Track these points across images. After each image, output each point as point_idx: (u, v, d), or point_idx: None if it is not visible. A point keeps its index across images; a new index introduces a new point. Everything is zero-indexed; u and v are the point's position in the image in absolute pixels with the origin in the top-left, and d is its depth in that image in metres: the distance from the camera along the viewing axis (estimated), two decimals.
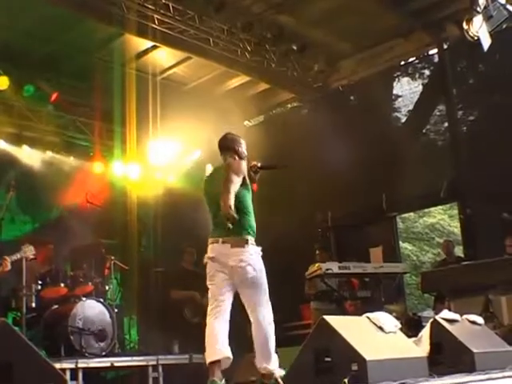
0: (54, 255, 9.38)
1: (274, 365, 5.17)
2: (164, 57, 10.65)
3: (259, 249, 5.45)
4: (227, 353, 5.30)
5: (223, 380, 5.24)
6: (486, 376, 4.46)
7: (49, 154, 10.99)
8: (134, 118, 9.38)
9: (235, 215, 5.09)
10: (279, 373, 5.19)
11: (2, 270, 7.17)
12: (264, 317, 5.37)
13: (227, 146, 5.84)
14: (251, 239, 5.40)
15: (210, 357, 5.32)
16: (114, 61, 10.13)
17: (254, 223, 5.52)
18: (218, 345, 5.33)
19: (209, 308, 5.53)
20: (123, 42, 9.85)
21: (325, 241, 10.06)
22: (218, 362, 5.27)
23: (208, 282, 5.60)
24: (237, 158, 5.67)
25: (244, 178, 5.44)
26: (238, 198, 5.34)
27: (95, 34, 9.71)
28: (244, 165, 5.55)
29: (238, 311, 11.47)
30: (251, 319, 5.46)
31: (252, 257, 5.34)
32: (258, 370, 5.29)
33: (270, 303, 5.39)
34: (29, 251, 7.68)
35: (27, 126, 10.68)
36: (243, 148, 5.84)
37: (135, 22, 9.07)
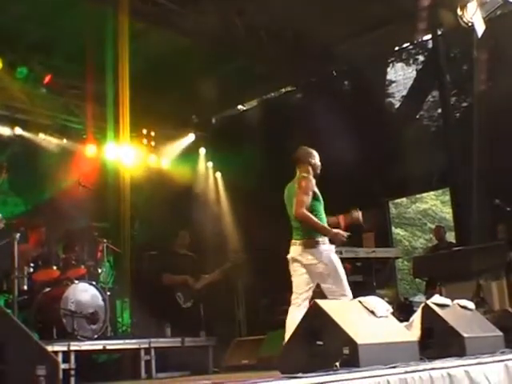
0: (46, 238, 9.36)
1: None
2: (158, 39, 10.60)
3: (332, 246, 6.31)
4: None
5: None
6: (476, 360, 4.48)
7: (42, 137, 10.97)
8: (127, 101, 9.32)
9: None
10: None
11: None
12: None
13: (301, 159, 6.64)
14: (321, 240, 6.24)
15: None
16: (107, 43, 10.07)
17: None
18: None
19: (292, 297, 6.36)
20: (117, 24, 9.79)
21: None
22: None
23: (292, 278, 6.40)
24: (311, 170, 6.52)
25: (314, 192, 6.35)
26: (311, 208, 6.27)
27: (89, 17, 9.64)
28: (312, 182, 6.40)
29: (228, 297, 11.61)
30: None
31: (322, 255, 6.21)
32: None
33: (346, 294, 6.17)
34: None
35: (20, 108, 10.64)
36: (316, 160, 6.62)
37: (129, 4, 9.02)
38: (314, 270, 6.24)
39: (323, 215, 6.43)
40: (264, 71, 11.68)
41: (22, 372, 3.62)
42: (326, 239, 6.29)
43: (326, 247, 6.29)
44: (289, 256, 6.41)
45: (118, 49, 9.35)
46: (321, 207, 6.44)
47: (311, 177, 6.48)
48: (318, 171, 6.63)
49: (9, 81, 10.11)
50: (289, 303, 10.02)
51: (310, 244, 6.26)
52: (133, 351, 8.73)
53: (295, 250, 6.34)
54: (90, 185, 10.29)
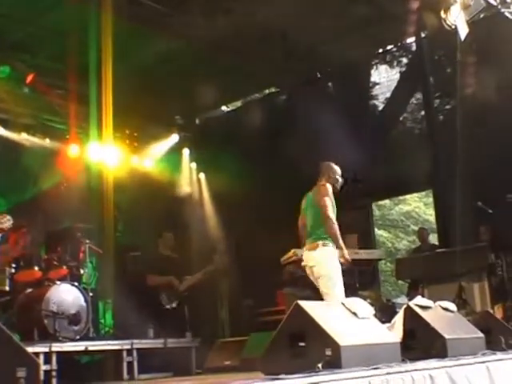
0: (28, 238, 9.30)
1: None
2: (142, 40, 10.56)
3: (331, 249, 6.79)
4: None
5: None
6: (458, 362, 4.51)
7: (24, 136, 10.88)
8: (110, 101, 9.28)
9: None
10: None
11: None
12: None
13: (322, 171, 7.13)
14: (324, 242, 6.78)
15: None
16: (91, 43, 10.04)
17: None
18: None
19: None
20: (101, 24, 9.76)
21: None
22: None
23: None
24: (328, 183, 6.98)
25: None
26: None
27: (72, 17, 9.61)
28: (330, 189, 6.92)
29: (212, 298, 11.58)
30: None
31: (321, 257, 6.78)
32: None
33: (337, 296, 6.56)
34: (6, 222, 7.60)
35: (2, 107, 10.56)
36: (336, 174, 7.12)
37: (113, 4, 8.99)
38: (314, 271, 7.01)
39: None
40: (248, 72, 11.69)
41: (2, 374, 3.58)
42: None
43: (328, 250, 6.92)
44: (303, 264, 7.06)
45: (102, 49, 9.34)
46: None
47: (328, 185, 6.99)
48: (338, 185, 7.13)
49: None
50: (274, 304, 10.09)
51: (313, 247, 6.92)
52: (115, 352, 8.69)
53: (305, 254, 7.01)
54: (72, 185, 10.24)
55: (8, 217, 7.60)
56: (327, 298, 6.72)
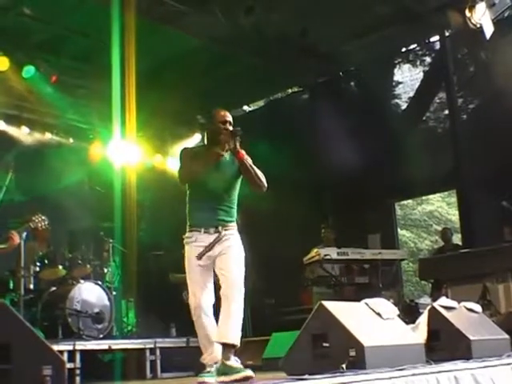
0: (52, 237, 9.37)
1: None
2: (164, 39, 10.59)
3: (187, 237, 5.40)
4: None
5: None
6: (483, 364, 4.47)
7: (48, 136, 10.98)
8: (133, 100, 9.33)
9: None
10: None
11: (10, 245, 7.05)
12: None
13: None
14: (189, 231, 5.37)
15: None
16: (114, 42, 10.08)
17: (194, 213, 5.39)
18: None
19: None
20: (123, 23, 9.80)
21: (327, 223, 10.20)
22: None
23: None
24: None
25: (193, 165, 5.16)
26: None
27: (96, 16, 9.65)
28: (183, 156, 5.27)
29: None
30: None
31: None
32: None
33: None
34: (41, 222, 7.62)
35: (27, 107, 10.66)
36: (214, 122, 5.30)
37: (135, 3, 9.02)
38: None
39: (199, 199, 5.34)
40: (270, 71, 11.67)
41: (28, 372, 3.61)
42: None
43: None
44: None
45: (125, 48, 9.38)
46: (196, 188, 5.32)
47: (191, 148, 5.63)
48: (220, 134, 5.26)
49: (16, 80, 10.11)
50: (298, 303, 10.04)
51: None
52: (138, 351, 8.72)
53: None
54: (95, 184, 10.30)
55: (43, 217, 7.64)
56: None
